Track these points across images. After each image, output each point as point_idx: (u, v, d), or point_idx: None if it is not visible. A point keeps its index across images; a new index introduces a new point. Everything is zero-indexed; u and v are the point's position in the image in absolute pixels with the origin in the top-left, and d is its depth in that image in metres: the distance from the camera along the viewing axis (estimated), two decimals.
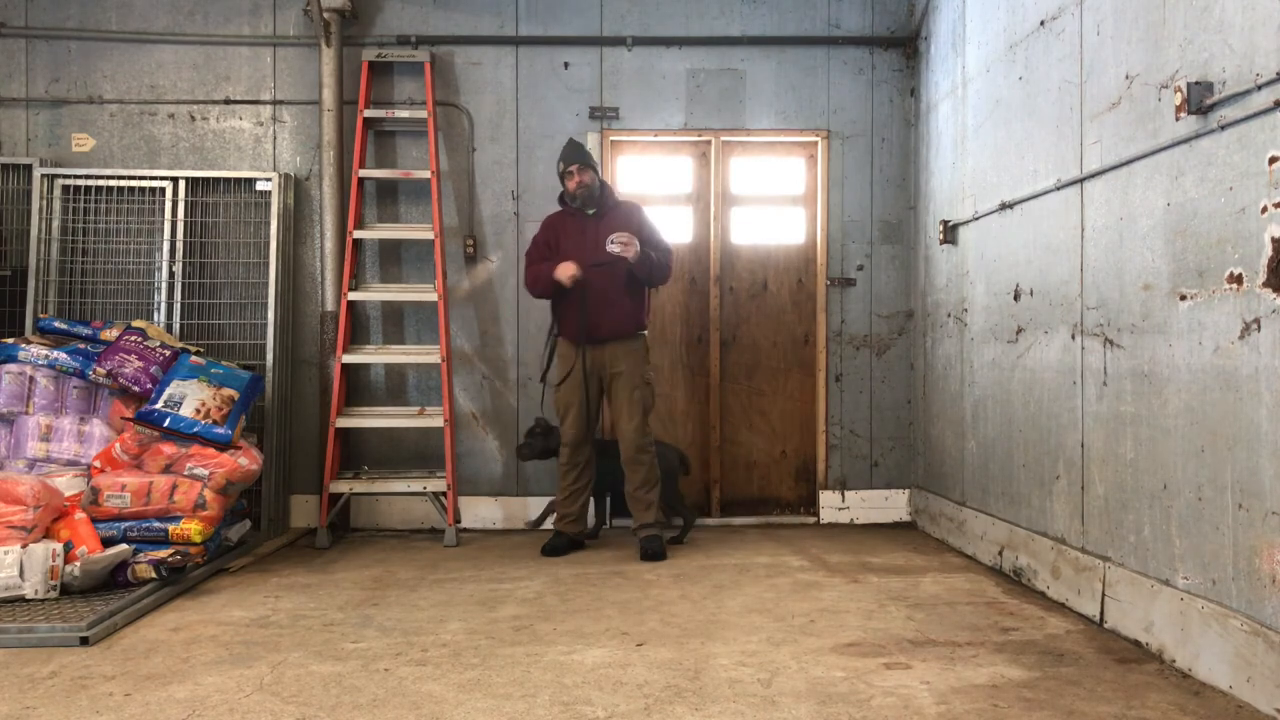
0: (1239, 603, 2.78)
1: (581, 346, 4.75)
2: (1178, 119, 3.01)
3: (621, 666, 3.07)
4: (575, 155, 4.80)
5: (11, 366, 4.60)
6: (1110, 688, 2.88)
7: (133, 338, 4.71)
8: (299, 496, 5.49)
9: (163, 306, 5.34)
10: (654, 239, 4.83)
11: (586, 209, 4.80)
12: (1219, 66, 2.87)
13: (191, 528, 4.13)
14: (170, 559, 3.97)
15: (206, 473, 4.27)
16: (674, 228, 5.61)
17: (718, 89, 5.64)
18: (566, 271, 4.62)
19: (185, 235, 5.36)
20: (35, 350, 4.62)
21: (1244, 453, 2.75)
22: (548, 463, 5.21)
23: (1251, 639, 2.70)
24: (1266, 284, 2.65)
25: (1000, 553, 4.37)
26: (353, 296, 5.33)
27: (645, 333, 4.89)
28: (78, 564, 3.72)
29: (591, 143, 5.57)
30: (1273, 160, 2.64)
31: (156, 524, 4.13)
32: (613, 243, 4.61)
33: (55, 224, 5.28)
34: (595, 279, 4.70)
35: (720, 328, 5.68)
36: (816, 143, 5.70)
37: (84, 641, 3.29)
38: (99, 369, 4.56)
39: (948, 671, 3.01)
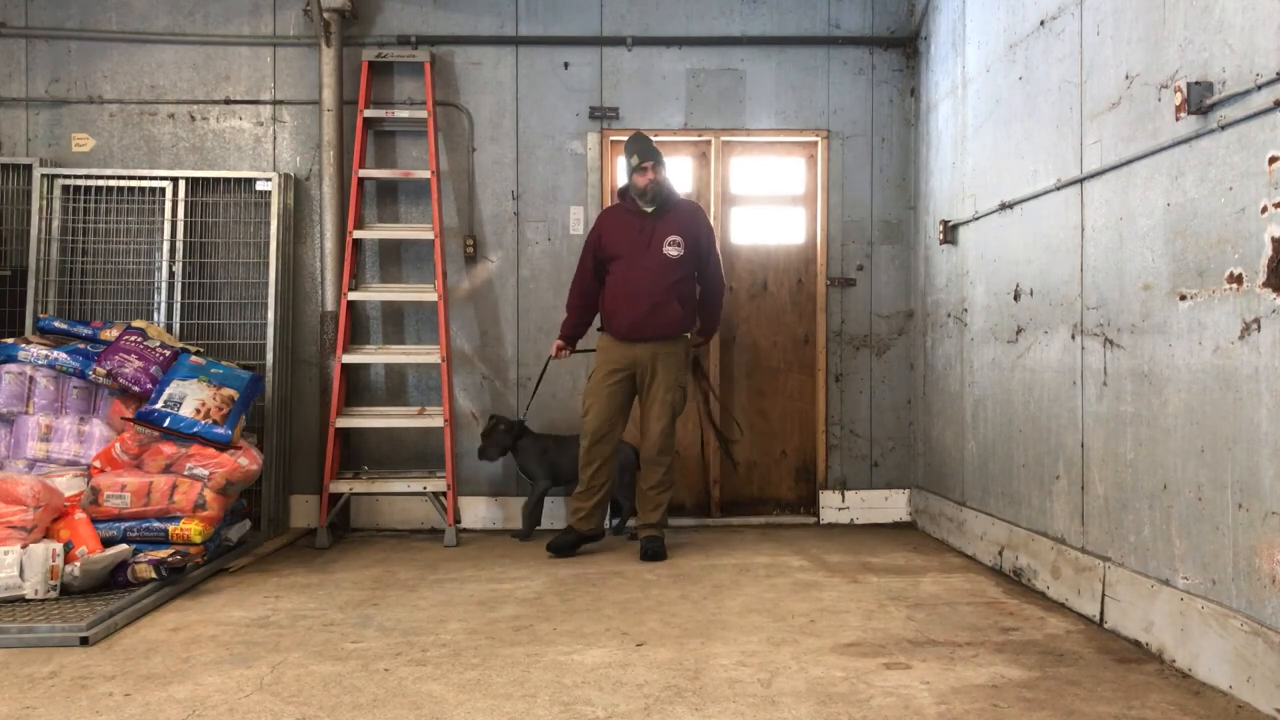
0: (1239, 603, 2.78)
1: (624, 343, 4.73)
2: (1178, 119, 3.01)
3: (621, 666, 3.07)
4: (649, 151, 4.72)
5: (11, 366, 4.60)
6: (1110, 688, 2.88)
7: (133, 338, 4.71)
8: (299, 496, 5.49)
9: (163, 306, 5.34)
10: (710, 250, 4.82)
11: (648, 206, 4.75)
12: (1219, 66, 2.87)
13: (191, 528, 4.13)
14: (170, 559, 3.97)
15: (206, 473, 4.27)
16: None
17: (718, 89, 5.64)
18: (555, 347, 5.01)
19: (185, 235, 5.37)
20: (35, 350, 4.62)
21: (1244, 453, 2.75)
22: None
23: (1251, 639, 2.70)
24: (1266, 284, 2.65)
25: (1000, 553, 4.37)
26: (353, 296, 5.33)
27: (689, 335, 4.85)
28: (78, 564, 3.72)
29: (591, 143, 5.57)
30: (1273, 160, 2.64)
31: (156, 524, 4.13)
32: (670, 245, 4.67)
33: (55, 224, 5.28)
34: (648, 280, 4.66)
35: (720, 328, 5.67)
36: (816, 143, 5.70)
37: (84, 641, 3.29)
38: (99, 369, 4.56)
39: (948, 671, 3.01)
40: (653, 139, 4.74)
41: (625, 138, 5.60)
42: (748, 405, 5.71)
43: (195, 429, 4.41)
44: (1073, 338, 3.75)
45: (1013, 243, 4.29)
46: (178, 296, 5.34)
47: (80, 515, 3.96)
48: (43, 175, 5.26)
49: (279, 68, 5.57)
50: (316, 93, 5.47)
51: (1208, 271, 2.91)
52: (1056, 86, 3.87)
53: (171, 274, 5.35)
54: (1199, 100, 2.90)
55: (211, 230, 5.43)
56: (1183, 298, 3.03)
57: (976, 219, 4.67)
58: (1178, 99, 2.95)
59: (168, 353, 4.71)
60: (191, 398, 4.48)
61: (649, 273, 4.68)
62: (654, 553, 4.65)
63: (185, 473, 4.28)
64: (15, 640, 3.28)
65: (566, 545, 4.74)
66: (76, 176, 5.33)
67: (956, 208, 4.95)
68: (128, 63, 5.56)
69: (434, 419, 5.28)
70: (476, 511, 5.52)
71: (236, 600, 3.93)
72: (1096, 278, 3.57)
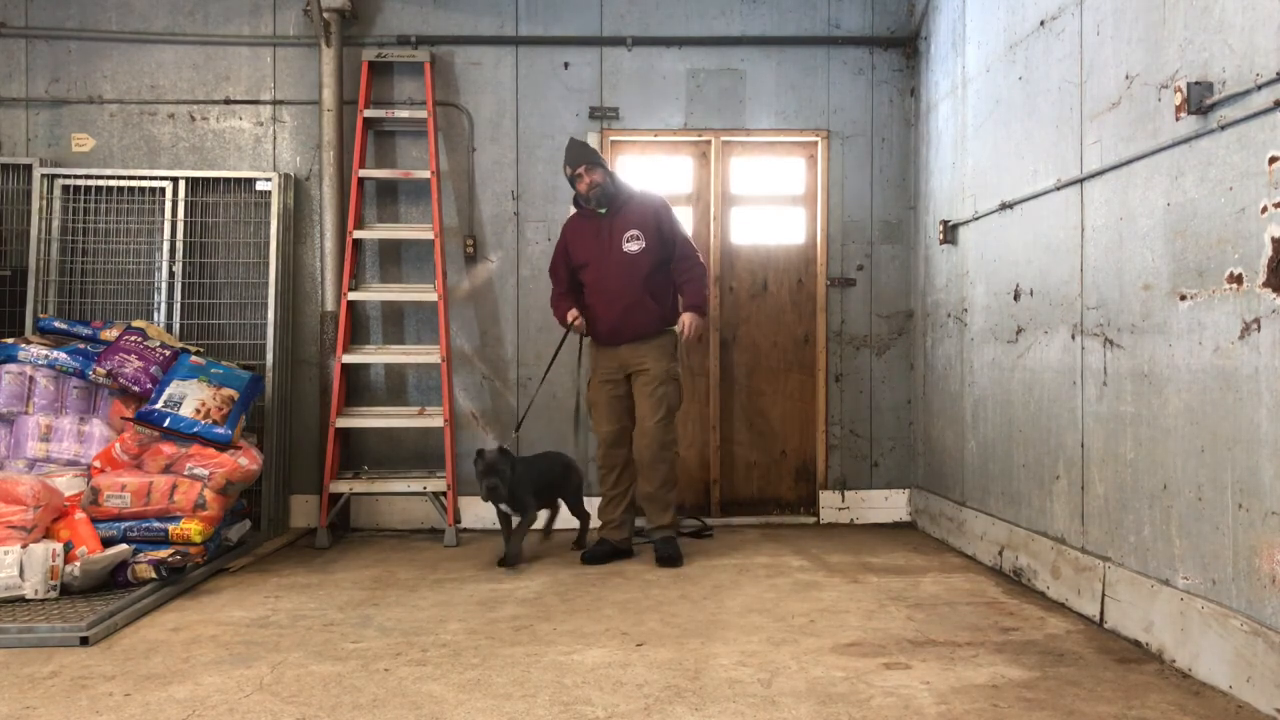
0: (1239, 603, 2.78)
1: (608, 347, 4.70)
2: (1178, 119, 3.01)
3: (621, 666, 3.07)
4: (581, 156, 4.67)
5: (11, 366, 4.60)
6: (1110, 688, 2.88)
7: (133, 338, 4.71)
8: (299, 496, 5.49)
9: (163, 306, 5.34)
10: (673, 234, 4.73)
11: (600, 208, 4.70)
12: (1219, 66, 2.87)
13: (191, 528, 4.13)
14: (170, 559, 3.97)
15: (206, 473, 4.27)
16: None
17: (718, 89, 5.64)
18: (569, 317, 4.71)
19: (185, 235, 5.37)
20: (35, 350, 4.62)
21: (1244, 453, 2.75)
22: None
23: (1251, 639, 2.70)
24: (1266, 284, 2.65)
25: (1000, 553, 4.37)
26: (353, 296, 5.33)
27: (674, 328, 4.76)
28: (78, 564, 3.72)
29: (591, 143, 5.56)
30: (1273, 160, 2.64)
31: (156, 524, 4.13)
32: (629, 240, 4.61)
33: (55, 224, 5.28)
34: (615, 281, 4.62)
35: (720, 328, 5.67)
36: (816, 143, 5.70)
37: (84, 641, 3.29)
38: (99, 369, 4.56)
39: (948, 671, 3.01)
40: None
41: (627, 138, 5.64)
42: (748, 405, 5.71)
43: (195, 429, 4.42)
44: (1073, 338, 3.75)
45: (1013, 243, 4.29)
46: (178, 296, 5.34)
47: (80, 515, 3.96)
48: (43, 175, 5.26)
49: (279, 68, 5.57)
50: (316, 93, 5.47)
51: (1208, 271, 2.91)
52: (1056, 86, 3.87)
53: (171, 274, 5.35)
54: (1199, 100, 2.90)
55: (211, 230, 5.42)
56: (1183, 298, 3.03)
57: (976, 219, 4.67)
58: (1178, 99, 2.95)
59: (168, 353, 4.71)
60: (191, 398, 4.48)
61: (616, 275, 4.62)
62: (669, 556, 4.51)
63: (185, 473, 4.28)
64: (15, 640, 3.29)
65: (600, 556, 4.61)
66: (76, 176, 5.33)
67: (956, 208, 4.95)
68: (128, 63, 5.56)
69: (434, 419, 5.28)
70: (476, 511, 5.52)
71: (236, 600, 3.93)
72: (1096, 278, 3.57)
